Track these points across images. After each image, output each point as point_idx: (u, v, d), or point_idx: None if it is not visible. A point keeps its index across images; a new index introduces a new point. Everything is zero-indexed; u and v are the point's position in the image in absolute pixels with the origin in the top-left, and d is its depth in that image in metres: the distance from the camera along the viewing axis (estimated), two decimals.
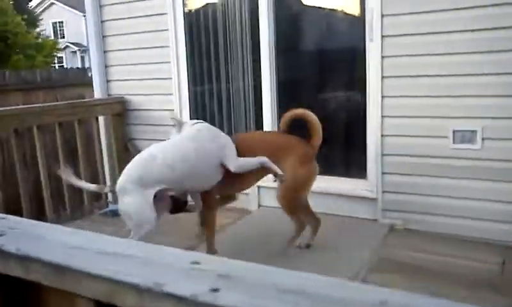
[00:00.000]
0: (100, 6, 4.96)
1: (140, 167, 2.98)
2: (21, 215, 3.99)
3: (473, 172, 3.57)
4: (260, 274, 0.68)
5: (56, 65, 33.10)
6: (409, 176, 3.79)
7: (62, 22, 38.85)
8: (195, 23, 4.65)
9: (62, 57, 34.96)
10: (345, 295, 0.59)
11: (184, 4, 4.60)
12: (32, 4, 32.46)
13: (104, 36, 5.00)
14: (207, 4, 4.65)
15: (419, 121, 3.70)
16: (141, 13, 4.74)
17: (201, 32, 4.64)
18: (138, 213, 2.90)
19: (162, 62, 4.72)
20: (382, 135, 3.84)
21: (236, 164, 3.14)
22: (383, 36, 3.72)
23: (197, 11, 4.66)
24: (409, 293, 0.59)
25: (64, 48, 35.04)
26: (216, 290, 0.64)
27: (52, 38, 31.95)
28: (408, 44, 3.66)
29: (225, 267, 0.71)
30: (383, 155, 3.86)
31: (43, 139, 4.19)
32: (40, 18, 31.07)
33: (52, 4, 38.80)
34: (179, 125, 3.29)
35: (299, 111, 3.43)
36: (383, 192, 3.90)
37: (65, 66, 33.96)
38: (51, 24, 37.66)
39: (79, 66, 32.63)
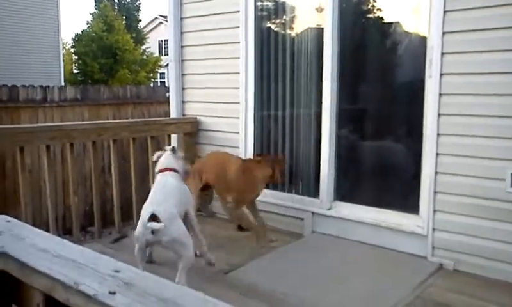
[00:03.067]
0: (182, 33, 5.39)
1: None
2: (92, 219, 4.44)
3: None
4: (152, 285, 0.85)
5: (158, 80, 35.17)
6: (462, 216, 3.71)
7: (167, 41, 41.08)
8: (265, 53, 4.89)
9: (164, 73, 37.10)
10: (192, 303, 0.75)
11: (255, 35, 4.87)
12: (141, 23, 34.81)
13: (182, 60, 5.41)
14: (277, 36, 4.87)
15: (474, 161, 3.63)
16: (215, 41, 5.09)
17: (270, 62, 4.87)
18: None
19: (232, 88, 5.01)
20: (436, 172, 3.80)
21: None
22: (441, 74, 3.71)
23: (267, 41, 4.89)
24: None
25: (167, 65, 37.04)
26: (113, 293, 0.82)
27: (157, 55, 34.06)
28: (466, 83, 3.63)
29: (134, 276, 0.89)
30: (435, 192, 3.81)
31: (117, 152, 4.63)
32: (147, 36, 33.23)
33: (161, 23, 41.33)
34: None
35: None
36: (434, 229, 3.84)
37: (166, 83, 35.93)
38: (157, 42, 40.08)
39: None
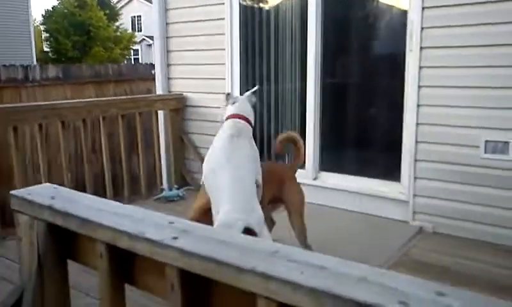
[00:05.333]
0: (166, 10, 5.45)
1: None
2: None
3: (504, 182, 3.68)
4: (205, 232, 1.02)
5: (132, 57, 34.61)
6: (440, 181, 3.95)
7: (140, 16, 40.19)
8: (250, 29, 5.01)
9: (138, 50, 36.49)
10: (246, 244, 0.91)
11: (240, 11, 4.97)
12: None
13: (167, 37, 5.49)
14: (261, 12, 4.98)
15: (452, 130, 3.86)
16: (200, 18, 5.18)
17: (254, 38, 5.00)
18: None
19: (217, 64, 5.13)
20: (416, 142, 4.02)
21: None
22: (421, 48, 3.90)
23: (252, 17, 5.01)
24: (294, 247, 0.90)
25: (141, 41, 36.41)
26: (175, 238, 0.98)
27: (130, 31, 33.51)
28: (444, 56, 3.83)
29: (187, 225, 1.05)
30: (416, 160, 4.04)
31: (107, 128, 4.74)
32: (120, 12, 32.63)
33: None
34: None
35: (292, 134, 3.61)
36: (415, 195, 4.08)
37: (140, 59, 35.42)
38: (130, 18, 39.29)
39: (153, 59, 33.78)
